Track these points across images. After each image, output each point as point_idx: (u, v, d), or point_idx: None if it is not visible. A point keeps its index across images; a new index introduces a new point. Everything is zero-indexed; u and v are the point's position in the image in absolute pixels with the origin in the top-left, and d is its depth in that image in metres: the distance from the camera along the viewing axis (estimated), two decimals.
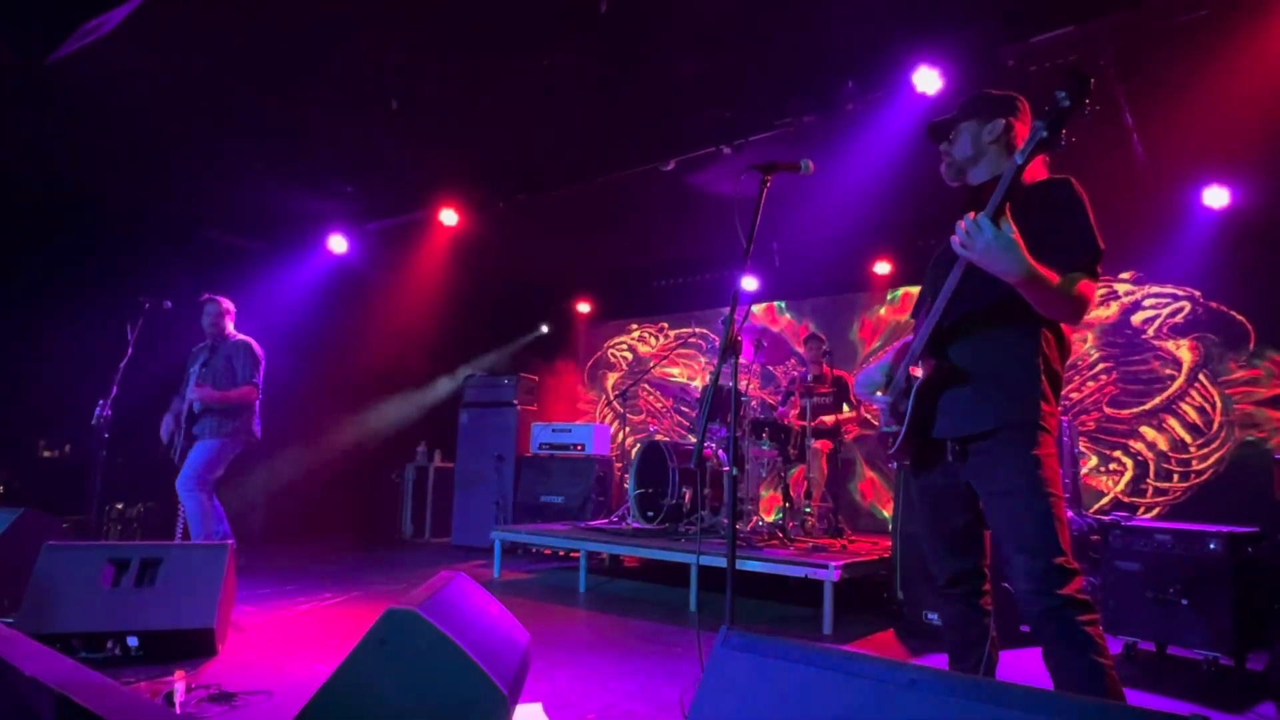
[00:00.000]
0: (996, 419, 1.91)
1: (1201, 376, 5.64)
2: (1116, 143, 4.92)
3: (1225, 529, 3.41)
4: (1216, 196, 5.34)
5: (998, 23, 4.02)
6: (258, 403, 4.87)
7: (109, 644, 3.07)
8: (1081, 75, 1.68)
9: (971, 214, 1.77)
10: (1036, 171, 2.05)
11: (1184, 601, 3.34)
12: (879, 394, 2.21)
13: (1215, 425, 5.55)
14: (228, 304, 4.98)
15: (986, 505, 1.97)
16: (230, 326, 4.96)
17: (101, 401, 4.42)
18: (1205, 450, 5.58)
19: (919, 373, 2.03)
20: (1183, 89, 4.31)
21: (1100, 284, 1.98)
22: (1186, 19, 3.69)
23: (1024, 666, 3.36)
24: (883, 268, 6.96)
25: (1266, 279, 5.44)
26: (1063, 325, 1.99)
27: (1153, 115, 4.65)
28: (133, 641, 3.08)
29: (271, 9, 4.09)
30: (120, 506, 6.00)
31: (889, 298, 7.30)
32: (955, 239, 1.81)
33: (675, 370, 8.79)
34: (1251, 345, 5.47)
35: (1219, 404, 5.55)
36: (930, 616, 3.91)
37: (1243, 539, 3.37)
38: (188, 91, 4.93)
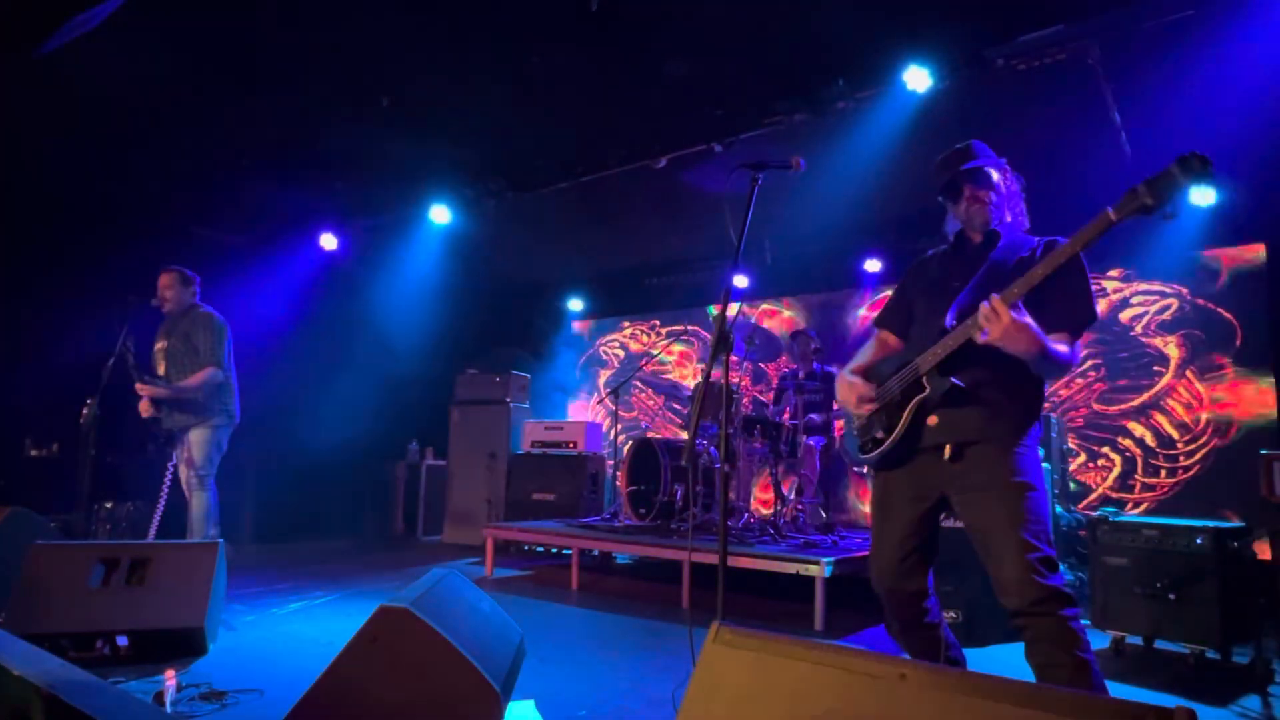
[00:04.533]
0: (1002, 432, 2.01)
1: (1188, 373, 5.69)
2: (1104, 141, 4.96)
3: (1212, 524, 3.45)
4: (1203, 195, 5.38)
5: (986, 22, 4.03)
6: (234, 380, 4.54)
7: (98, 643, 3.05)
8: (1203, 159, 1.66)
9: (996, 299, 1.86)
10: (1021, 222, 2.22)
11: (1171, 596, 3.36)
12: (865, 408, 2.22)
13: (1202, 421, 5.60)
14: (182, 272, 4.53)
15: (973, 502, 2.00)
16: (189, 297, 4.53)
17: (90, 400, 4.37)
18: (1192, 446, 5.63)
19: (925, 387, 2.08)
20: (1169, 88, 4.35)
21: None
22: (1172, 19, 3.71)
23: (1002, 659, 3.38)
24: (873, 265, 6.99)
25: (1252, 276, 5.49)
26: None
27: (1140, 114, 4.68)
28: (122, 641, 3.06)
29: (263, 4, 4.06)
30: (109, 506, 5.94)
31: (879, 295, 7.33)
32: (979, 316, 1.89)
33: (667, 367, 8.80)
34: (1238, 342, 5.52)
35: (1206, 400, 5.60)
36: None
37: (1229, 534, 3.41)
38: (177, 86, 4.88)
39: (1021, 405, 2.04)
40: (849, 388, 2.26)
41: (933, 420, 2.07)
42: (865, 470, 2.25)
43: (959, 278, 2.16)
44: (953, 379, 2.04)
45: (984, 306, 1.87)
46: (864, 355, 2.37)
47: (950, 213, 2.30)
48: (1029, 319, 1.85)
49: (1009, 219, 2.21)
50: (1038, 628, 1.84)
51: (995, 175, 2.21)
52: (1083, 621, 1.86)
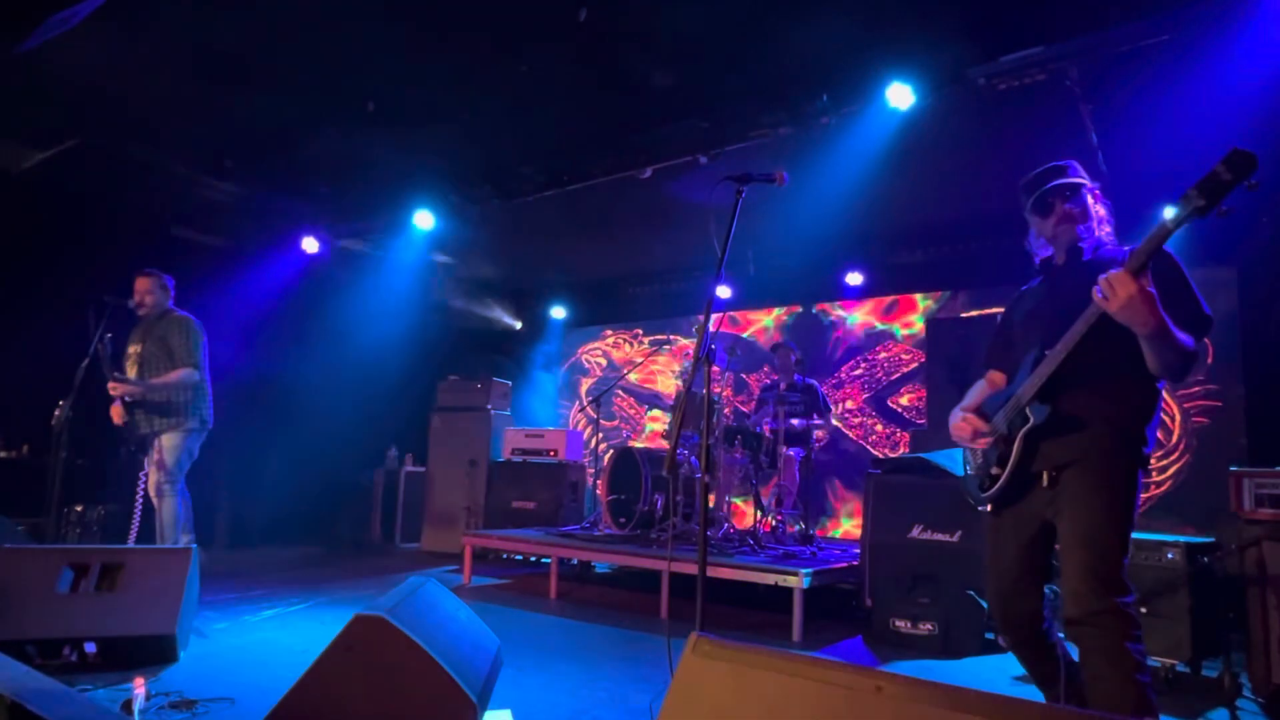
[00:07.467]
0: (1097, 451, 1.98)
1: (1162, 390, 5.78)
2: (1082, 160, 5.03)
3: (1183, 539, 3.50)
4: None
5: (969, 42, 4.10)
6: (208, 385, 4.51)
7: (66, 650, 2.99)
8: (1247, 154, 1.65)
9: (1117, 271, 1.82)
10: (1113, 246, 2.20)
11: (1143, 610, 3.41)
12: (981, 442, 2.22)
13: (1175, 438, 5.70)
14: (161, 277, 4.54)
15: (1060, 519, 2.01)
16: (168, 302, 4.54)
17: (61, 401, 4.30)
18: (1165, 462, 5.72)
19: (1029, 417, 2.07)
20: (1145, 110, 4.44)
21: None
22: (1149, 43, 3.80)
23: (978, 671, 3.41)
24: (855, 278, 7.06)
25: (1224, 297, 5.60)
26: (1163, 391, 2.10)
27: (1116, 134, 4.77)
28: (90, 648, 3.00)
29: (248, 5, 4.04)
30: (80, 509, 5.84)
31: (861, 307, 7.40)
32: (1096, 292, 1.86)
33: (649, 376, 8.81)
34: (1210, 360, 5.62)
35: (1178, 417, 5.70)
36: (898, 624, 3.96)
37: (1199, 549, 3.46)
38: (159, 86, 4.84)
39: (1124, 422, 2.01)
40: (963, 423, 2.25)
41: (1039, 449, 2.06)
42: (986, 509, 2.24)
43: (1049, 304, 2.16)
44: (1053, 405, 2.03)
45: (1103, 278, 1.83)
46: (973, 395, 2.36)
47: (1034, 229, 2.30)
48: (1153, 289, 1.80)
49: (1101, 239, 2.22)
50: (1088, 642, 1.87)
51: (1089, 196, 2.24)
52: (1139, 643, 1.86)
